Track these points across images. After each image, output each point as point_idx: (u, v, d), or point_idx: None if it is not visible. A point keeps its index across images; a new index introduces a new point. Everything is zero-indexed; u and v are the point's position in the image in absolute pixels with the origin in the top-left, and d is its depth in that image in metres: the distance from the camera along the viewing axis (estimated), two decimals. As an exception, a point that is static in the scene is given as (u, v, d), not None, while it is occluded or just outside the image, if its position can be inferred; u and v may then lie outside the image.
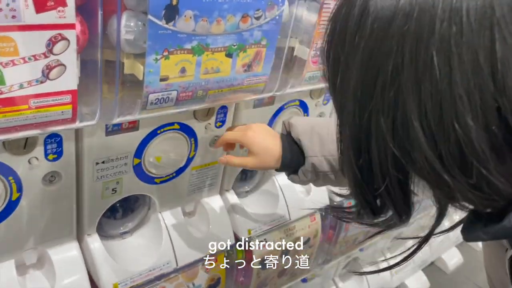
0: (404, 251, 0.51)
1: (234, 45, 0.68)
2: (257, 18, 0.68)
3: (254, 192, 1.13)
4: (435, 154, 0.35)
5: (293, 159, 0.75)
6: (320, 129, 0.75)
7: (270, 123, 1.01)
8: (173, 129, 0.84)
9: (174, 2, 0.58)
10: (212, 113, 0.87)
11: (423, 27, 0.35)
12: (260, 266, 1.07)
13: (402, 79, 0.36)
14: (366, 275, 1.81)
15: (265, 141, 0.76)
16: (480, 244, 2.37)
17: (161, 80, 0.63)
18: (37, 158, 0.69)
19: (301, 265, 1.18)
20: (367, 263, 1.83)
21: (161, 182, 0.89)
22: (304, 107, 1.06)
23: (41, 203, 0.74)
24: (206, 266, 0.97)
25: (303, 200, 1.14)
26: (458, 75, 0.33)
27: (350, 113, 0.40)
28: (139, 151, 0.81)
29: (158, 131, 0.82)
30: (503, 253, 0.53)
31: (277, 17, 0.71)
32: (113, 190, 0.82)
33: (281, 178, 1.13)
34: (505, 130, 0.33)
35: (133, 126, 0.77)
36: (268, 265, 1.08)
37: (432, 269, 2.17)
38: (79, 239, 0.84)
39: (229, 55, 0.69)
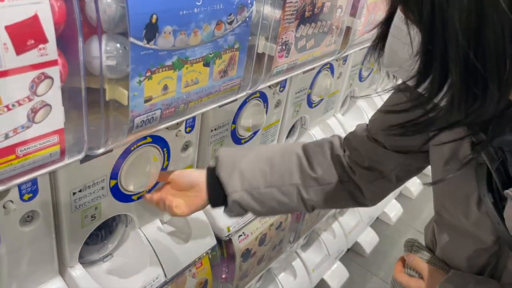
0: None
1: (211, 54, 0.66)
2: (230, 23, 0.66)
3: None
4: None
5: (220, 194, 0.76)
6: (244, 163, 0.76)
7: (235, 119, 1.01)
8: (146, 143, 0.80)
9: (154, 20, 0.54)
10: (182, 121, 0.84)
11: None
12: (242, 259, 1.09)
13: None
14: (324, 242, 1.91)
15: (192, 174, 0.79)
16: (414, 192, 2.57)
17: (145, 101, 0.60)
18: (12, 201, 0.62)
19: (277, 248, 1.21)
20: (323, 230, 1.93)
21: (138, 198, 0.85)
22: (263, 97, 1.06)
23: (20, 246, 0.68)
24: (194, 272, 0.96)
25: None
26: None
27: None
28: (115, 172, 0.77)
29: (132, 148, 0.78)
30: (472, 180, 0.59)
31: (247, 19, 0.69)
32: (92, 216, 0.77)
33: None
34: None
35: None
36: (250, 257, 1.10)
37: (378, 224, 2.34)
38: (62, 272, 0.79)
39: (206, 64, 0.66)
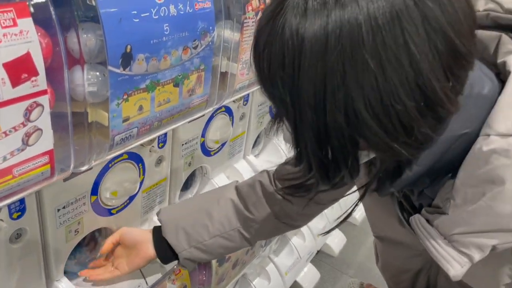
0: (342, 214, 0.65)
1: (180, 75, 0.74)
2: (195, 48, 0.75)
3: (197, 198, 1.20)
4: (382, 129, 0.45)
5: (169, 253, 0.85)
6: (186, 221, 0.84)
7: (204, 132, 1.08)
8: (122, 159, 0.86)
9: (128, 50, 0.62)
10: (154, 137, 0.91)
11: (354, 41, 0.42)
12: (218, 263, 1.15)
13: (347, 82, 0.44)
14: (295, 246, 1.99)
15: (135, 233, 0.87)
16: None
17: (124, 121, 0.67)
18: (2, 220, 0.67)
19: (250, 253, 1.28)
20: (294, 234, 2.02)
21: (118, 211, 0.91)
22: (229, 111, 1.15)
23: (10, 263, 0.73)
24: (173, 278, 1.02)
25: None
26: (389, 69, 0.43)
27: (309, 120, 0.47)
28: (95, 188, 0.83)
29: (110, 165, 0.84)
30: (390, 204, 0.69)
31: (210, 43, 0.78)
32: (75, 231, 0.83)
33: (218, 179, 1.22)
34: (424, 100, 0.44)
35: (87, 165, 0.78)
36: (225, 261, 1.16)
37: (345, 225, 2.44)
38: (49, 286, 0.83)
39: (176, 85, 0.74)
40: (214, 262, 1.14)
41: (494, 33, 0.56)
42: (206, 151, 1.13)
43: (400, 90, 0.43)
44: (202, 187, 1.21)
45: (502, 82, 0.52)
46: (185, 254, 0.83)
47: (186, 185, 1.18)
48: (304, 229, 2.06)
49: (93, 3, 0.56)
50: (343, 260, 2.25)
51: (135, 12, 0.62)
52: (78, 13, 0.56)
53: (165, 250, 0.85)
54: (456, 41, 0.43)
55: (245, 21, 0.85)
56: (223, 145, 1.19)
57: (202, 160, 1.13)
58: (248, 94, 1.21)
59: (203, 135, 1.09)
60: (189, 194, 1.19)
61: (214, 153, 1.17)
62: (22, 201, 0.69)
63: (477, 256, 0.53)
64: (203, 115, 1.05)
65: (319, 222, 2.16)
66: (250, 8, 0.85)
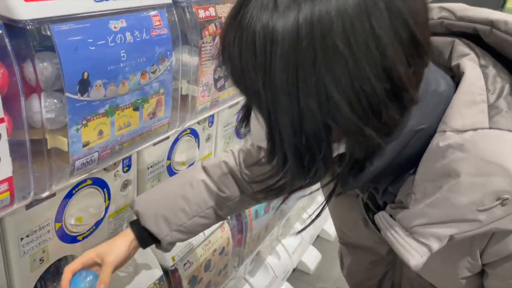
0: (310, 215, 0.65)
1: (139, 99, 0.76)
2: (153, 72, 0.77)
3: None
4: (354, 113, 0.48)
5: (149, 239, 0.86)
6: (164, 207, 0.86)
7: (169, 155, 1.10)
8: (86, 185, 0.87)
9: (86, 76, 0.64)
10: (118, 161, 0.92)
11: (324, 28, 0.45)
12: (189, 286, 1.15)
13: (318, 68, 0.46)
14: (270, 265, 2.00)
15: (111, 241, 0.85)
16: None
17: (84, 146, 0.68)
18: (-38, 252, 0.67)
19: (222, 273, 1.29)
20: (268, 253, 2.03)
21: (84, 238, 0.91)
22: (194, 133, 1.17)
23: (-29, 296, 0.72)
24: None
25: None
26: (358, 53, 0.45)
27: (283, 107, 0.48)
28: (59, 215, 0.83)
29: (74, 191, 0.84)
30: (356, 206, 0.72)
31: (168, 67, 0.81)
32: (40, 260, 0.82)
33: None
34: (390, 83, 0.47)
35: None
36: (197, 283, 1.17)
37: (320, 241, 2.48)
38: (14, 318, 0.82)
39: (136, 109, 0.76)
40: (185, 284, 1.14)
41: (448, 39, 0.60)
42: (173, 173, 1.14)
43: (369, 73, 0.46)
44: (171, 209, 1.22)
45: (457, 84, 0.56)
46: (168, 239, 0.85)
47: (155, 209, 1.18)
48: (279, 248, 2.07)
49: (49, 33, 0.59)
50: (319, 276, 2.26)
51: (91, 40, 0.64)
52: (33, 43, 0.58)
53: (146, 237, 0.85)
54: (416, 30, 0.47)
55: (202, 45, 0.88)
56: (190, 166, 1.20)
57: (169, 182, 1.14)
58: (213, 115, 1.24)
59: (169, 158, 1.10)
60: (157, 217, 1.19)
61: (181, 175, 1.18)
62: (-17, 231, 0.69)
63: (435, 245, 0.55)
64: (168, 138, 1.08)
65: (294, 239, 2.18)
66: (207, 33, 0.89)
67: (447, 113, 0.54)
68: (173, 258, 1.10)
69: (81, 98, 0.64)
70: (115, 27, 0.68)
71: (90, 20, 0.64)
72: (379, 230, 0.64)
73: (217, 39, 0.92)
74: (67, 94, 0.62)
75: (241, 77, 0.50)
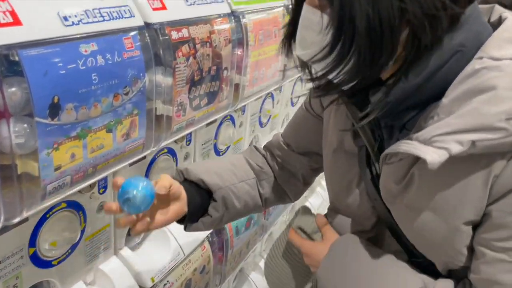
0: None
1: (112, 121, 0.76)
2: (126, 94, 0.78)
3: (146, 241, 1.19)
4: None
5: (197, 202, 0.83)
6: (215, 167, 0.87)
7: (146, 174, 1.10)
8: (61, 208, 0.86)
9: (56, 100, 0.64)
10: (94, 183, 0.92)
11: None
12: (171, 306, 1.14)
13: None
14: (254, 282, 1.99)
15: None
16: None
17: (55, 170, 0.68)
18: None
19: (203, 292, 1.28)
20: (252, 269, 2.02)
21: (59, 262, 0.90)
22: (172, 152, 1.17)
23: None
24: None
25: (191, 233, 1.25)
26: None
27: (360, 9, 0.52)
28: (33, 240, 0.81)
29: (47, 215, 0.83)
30: (352, 160, 0.75)
31: (141, 88, 0.81)
32: (14, 286, 0.80)
33: (166, 221, 1.22)
34: None
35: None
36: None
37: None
38: None
39: (109, 130, 0.76)
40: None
41: (487, 6, 0.65)
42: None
43: None
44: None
45: None
46: (222, 192, 0.84)
47: (133, 229, 1.17)
48: (262, 263, 2.06)
49: (17, 58, 0.59)
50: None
51: (61, 64, 0.65)
52: (1, 69, 0.58)
53: (195, 198, 0.82)
54: None
55: (176, 66, 0.89)
56: (168, 186, 1.20)
57: (147, 202, 1.13)
58: (190, 134, 1.24)
59: (146, 175, 1.09)
60: (136, 238, 1.18)
61: (160, 195, 1.17)
62: (-49, 260, 0.68)
63: (455, 148, 0.55)
64: (145, 158, 1.07)
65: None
66: (180, 53, 0.90)
67: (486, 43, 0.57)
68: (152, 279, 1.09)
69: (52, 122, 0.64)
70: (85, 51, 0.68)
71: (60, 44, 0.65)
72: (376, 190, 0.68)
73: (191, 59, 0.93)
74: (37, 119, 0.62)
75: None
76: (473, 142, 0.54)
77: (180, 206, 0.80)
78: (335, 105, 0.75)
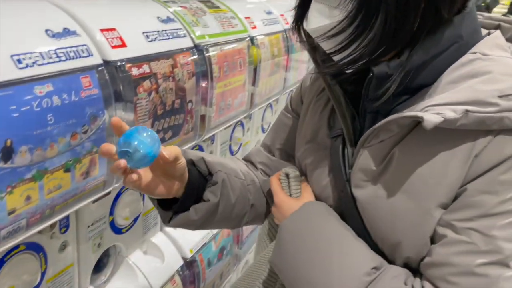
0: None
1: (70, 161, 0.75)
2: (85, 132, 0.77)
3: (112, 278, 1.16)
4: None
5: (195, 184, 0.77)
6: (209, 156, 0.82)
7: (112, 210, 1.08)
8: (19, 251, 0.83)
9: (8, 143, 0.63)
10: (55, 223, 0.90)
11: None
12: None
13: None
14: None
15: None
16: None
17: (9, 214, 0.66)
18: None
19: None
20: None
21: (20, 306, 0.86)
22: (138, 186, 1.15)
23: None
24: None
25: (160, 268, 1.22)
26: None
27: None
28: (-11, 286, 0.79)
29: (5, 259, 0.81)
30: (324, 154, 0.75)
31: (101, 126, 0.80)
32: (-33, 336, 0.77)
33: (133, 256, 1.20)
34: None
35: (-22, 263, 0.75)
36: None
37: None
38: None
39: (67, 170, 0.75)
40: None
41: (493, 22, 0.70)
42: (117, 229, 1.11)
43: None
44: (117, 267, 1.18)
45: None
46: (223, 175, 0.78)
47: (99, 267, 1.14)
48: None
49: (-34, 103, 0.58)
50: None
51: (14, 107, 0.64)
52: (-51, 114, 0.57)
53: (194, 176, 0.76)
54: None
55: (137, 101, 0.89)
56: (135, 220, 1.18)
57: (114, 239, 1.11)
58: (157, 167, 1.23)
59: (111, 214, 1.08)
60: (102, 276, 1.15)
61: (126, 230, 1.15)
62: None
63: (450, 114, 0.56)
64: (109, 193, 1.06)
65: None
66: (141, 89, 0.90)
67: (480, 43, 0.63)
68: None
69: (4, 166, 0.63)
70: (40, 92, 0.68)
71: (13, 87, 0.64)
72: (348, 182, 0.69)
73: (153, 94, 0.94)
74: (-12, 163, 0.60)
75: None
76: (467, 112, 0.56)
77: (177, 185, 0.73)
78: (315, 98, 0.78)
